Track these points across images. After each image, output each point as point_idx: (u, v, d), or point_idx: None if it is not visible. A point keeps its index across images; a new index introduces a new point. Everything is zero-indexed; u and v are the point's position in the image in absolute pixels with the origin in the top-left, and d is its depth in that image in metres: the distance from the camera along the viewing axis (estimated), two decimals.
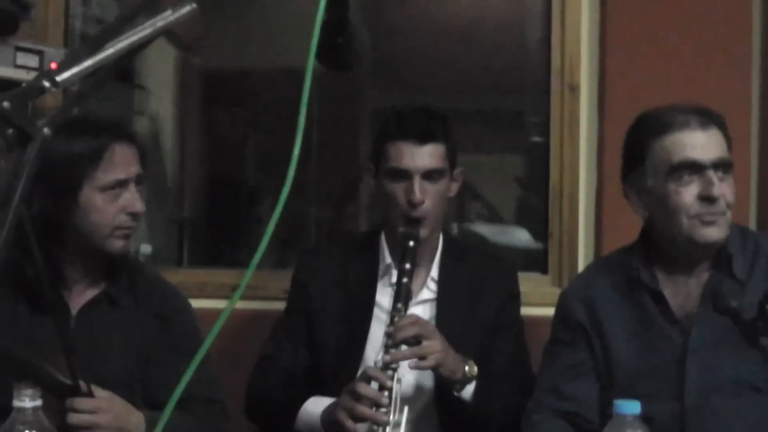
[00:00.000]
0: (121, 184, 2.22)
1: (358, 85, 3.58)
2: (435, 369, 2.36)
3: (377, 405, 2.24)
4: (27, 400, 1.69)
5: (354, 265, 2.62)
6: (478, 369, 2.41)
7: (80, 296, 2.29)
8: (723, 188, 2.14)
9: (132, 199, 2.24)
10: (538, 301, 3.01)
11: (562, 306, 2.37)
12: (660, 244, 2.24)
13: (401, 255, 2.43)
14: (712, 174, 2.13)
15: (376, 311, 2.54)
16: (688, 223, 2.14)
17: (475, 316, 2.56)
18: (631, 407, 1.69)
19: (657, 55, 3.04)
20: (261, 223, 3.76)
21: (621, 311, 2.24)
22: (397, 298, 2.37)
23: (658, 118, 2.21)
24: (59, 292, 2.23)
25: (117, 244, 2.24)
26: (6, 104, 1.22)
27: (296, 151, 1.20)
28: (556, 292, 2.93)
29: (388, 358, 2.28)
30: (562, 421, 2.23)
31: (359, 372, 2.43)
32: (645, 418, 1.72)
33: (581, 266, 3.07)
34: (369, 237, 2.68)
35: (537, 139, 3.60)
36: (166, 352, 2.29)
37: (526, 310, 2.90)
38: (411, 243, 2.42)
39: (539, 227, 3.43)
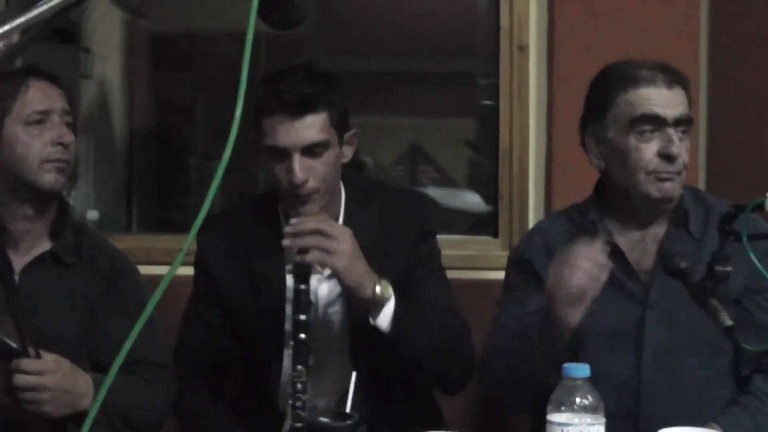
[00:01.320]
0: (44, 116, 2.21)
1: (304, 47, 3.53)
2: (338, 275, 2.13)
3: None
4: None
5: (254, 237, 2.39)
6: (398, 298, 2.18)
7: (25, 254, 2.26)
8: (681, 148, 2.15)
9: (58, 130, 2.21)
10: (488, 265, 3.00)
11: (514, 256, 2.37)
12: (615, 198, 2.25)
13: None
14: (672, 132, 2.14)
15: (288, 279, 2.32)
16: (644, 179, 2.15)
17: (388, 256, 2.32)
18: (580, 370, 1.68)
19: (606, 14, 3.02)
20: (208, 186, 3.71)
21: None
22: (296, 305, 2.14)
23: (623, 72, 2.21)
24: (2, 248, 2.20)
25: (47, 178, 2.20)
26: None
27: (238, 113, 1.16)
28: (506, 255, 2.93)
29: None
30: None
31: (284, 349, 2.33)
32: (602, 373, 1.73)
33: None
34: (264, 202, 2.44)
35: (487, 102, 3.59)
36: (112, 313, 2.26)
37: (476, 274, 2.90)
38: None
39: (490, 191, 3.42)
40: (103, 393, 1.17)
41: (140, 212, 3.71)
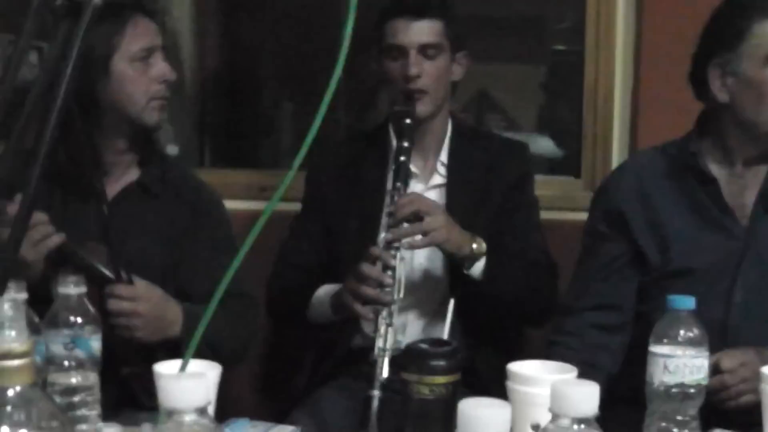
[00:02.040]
0: (149, 53, 2.23)
1: None
2: (440, 246, 2.34)
3: (381, 285, 2.22)
4: (72, 287, 1.67)
5: (364, 156, 2.60)
6: (490, 249, 2.39)
7: (114, 184, 2.28)
8: None
9: (163, 67, 2.25)
10: (570, 206, 2.98)
11: (601, 195, 2.34)
12: (724, 133, 2.19)
13: (398, 133, 2.40)
14: None
15: (388, 198, 2.47)
16: None
17: (486, 200, 2.53)
18: (685, 302, 1.66)
19: None
20: (279, 126, 3.74)
21: (673, 194, 2.21)
22: (396, 177, 2.34)
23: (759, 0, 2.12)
24: (100, 179, 2.23)
25: (153, 116, 2.25)
26: None
27: (344, 51, 1.15)
28: (589, 195, 2.91)
29: (389, 236, 2.27)
30: (597, 329, 2.21)
31: None
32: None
33: None
34: (378, 128, 2.66)
35: (559, 47, 3.56)
36: (198, 244, 2.30)
37: (558, 215, 2.88)
38: (408, 120, 2.40)
39: (564, 135, 3.40)
40: (205, 323, 1.17)
41: (212, 149, 3.72)
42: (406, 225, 2.30)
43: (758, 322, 2.11)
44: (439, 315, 2.42)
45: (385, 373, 2.09)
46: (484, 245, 2.37)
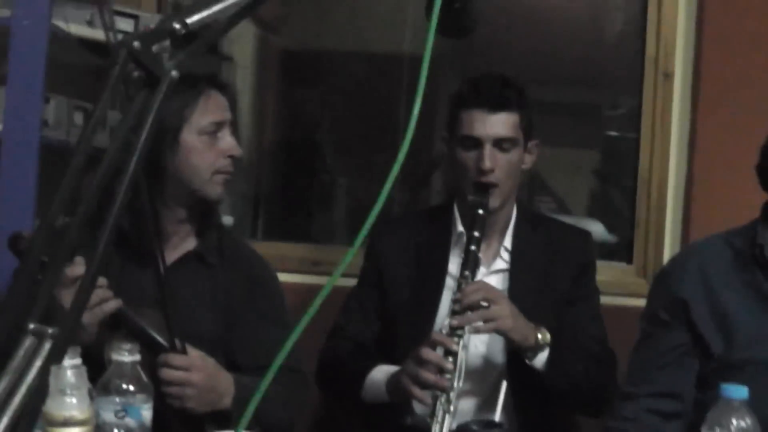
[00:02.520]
0: (218, 127, 2.25)
1: (436, 69, 3.54)
2: (505, 334, 2.31)
3: (441, 371, 2.19)
4: (126, 354, 1.68)
5: (426, 235, 2.59)
6: (553, 340, 2.36)
7: (171, 252, 2.29)
8: None
9: (230, 142, 2.27)
10: (621, 291, 2.96)
11: (663, 281, 2.29)
12: None
13: (470, 223, 2.39)
14: None
15: (448, 280, 2.49)
16: None
17: (549, 287, 2.52)
18: (738, 391, 1.64)
19: (755, 40, 2.95)
20: (333, 200, 3.76)
21: (738, 283, 2.16)
22: (464, 266, 2.33)
23: None
24: (160, 245, 2.24)
25: (216, 189, 2.27)
26: (136, 44, 1.20)
27: (412, 126, 1.17)
28: (641, 282, 2.91)
29: (454, 322, 2.24)
30: (654, 416, 2.18)
31: None
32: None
33: (667, 257, 3.00)
34: (441, 207, 2.65)
35: (612, 133, 3.57)
36: (251, 315, 2.30)
37: (609, 300, 2.85)
38: (480, 211, 2.39)
39: (614, 220, 3.39)
40: (258, 397, 1.17)
41: (266, 221, 3.74)
42: (470, 313, 2.28)
43: None
44: (491, 399, 2.39)
45: None
46: (548, 336, 2.35)
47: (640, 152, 3.14)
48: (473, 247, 2.34)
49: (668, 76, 3.06)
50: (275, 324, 2.28)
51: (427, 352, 2.21)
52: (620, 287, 3.00)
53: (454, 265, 2.47)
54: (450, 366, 2.19)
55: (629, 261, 3.16)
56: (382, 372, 2.42)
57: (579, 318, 2.50)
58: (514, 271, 2.52)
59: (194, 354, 2.04)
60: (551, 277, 2.52)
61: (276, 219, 3.79)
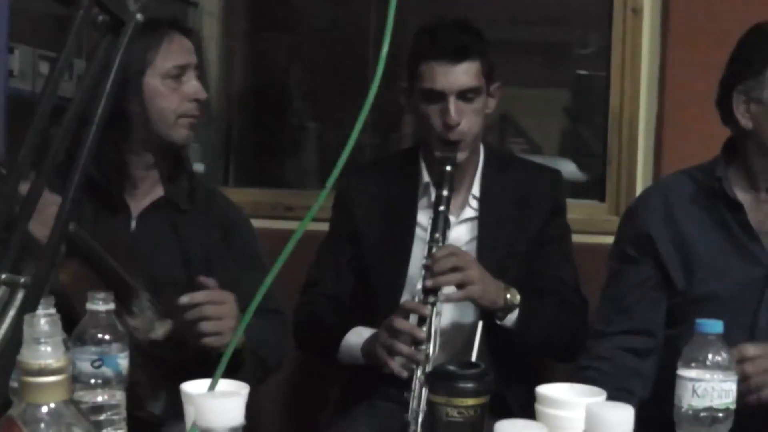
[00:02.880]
0: (182, 71, 2.23)
1: (403, 8, 3.50)
2: (475, 299, 2.30)
3: (415, 340, 2.17)
4: (101, 303, 1.66)
5: (394, 185, 2.54)
6: (523, 285, 2.36)
7: (141, 200, 2.28)
8: None
9: (195, 86, 2.25)
10: (594, 229, 2.96)
11: (629, 219, 2.32)
12: (748, 159, 2.18)
13: (438, 181, 2.34)
14: None
15: (418, 231, 2.47)
16: None
17: (520, 232, 2.49)
18: (713, 326, 1.65)
19: None
20: (304, 146, 3.74)
21: (700, 218, 2.20)
22: (434, 228, 2.28)
23: None
24: (123, 191, 2.23)
25: (182, 133, 2.25)
26: None
27: (380, 69, 1.15)
28: (614, 219, 2.89)
29: (428, 283, 2.21)
30: (628, 354, 2.19)
31: (402, 296, 2.40)
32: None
33: (639, 193, 2.99)
34: (408, 155, 2.60)
35: (583, 72, 3.56)
36: (227, 261, 2.28)
37: (582, 238, 2.86)
38: (448, 168, 2.33)
39: (586, 158, 3.39)
40: (240, 333, 1.16)
41: (238, 168, 3.73)
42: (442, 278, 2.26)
43: None
44: (467, 352, 2.40)
45: None
46: (518, 297, 2.33)
47: (610, 90, 3.12)
48: (442, 208, 2.29)
49: (637, 12, 3.04)
50: (251, 267, 2.26)
51: (399, 322, 2.19)
52: (593, 225, 3.00)
53: (423, 216, 2.44)
54: (423, 335, 2.17)
55: (602, 199, 3.17)
56: (357, 336, 2.41)
57: (550, 261, 2.49)
58: (483, 219, 2.49)
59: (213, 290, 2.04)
60: (522, 222, 2.49)
61: (247, 165, 3.79)
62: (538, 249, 2.49)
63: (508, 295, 2.32)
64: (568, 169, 3.48)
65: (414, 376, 2.14)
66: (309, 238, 2.50)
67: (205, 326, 1.99)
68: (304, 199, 3.18)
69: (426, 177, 2.49)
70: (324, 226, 2.62)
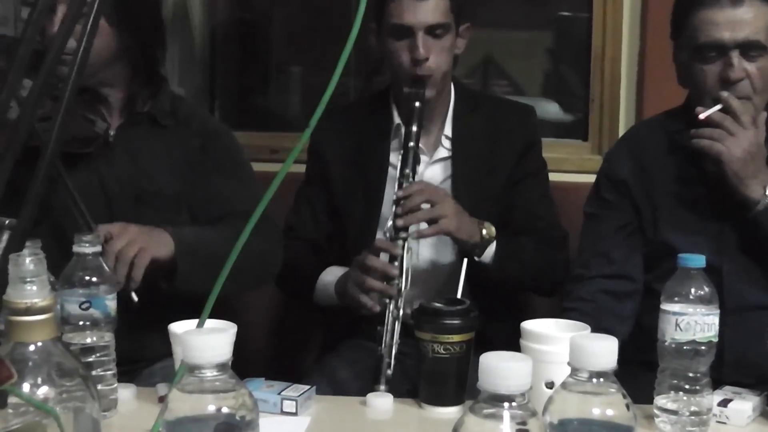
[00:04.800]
0: None
1: None
2: (450, 234, 2.28)
3: (387, 277, 2.17)
4: (87, 246, 1.66)
5: (365, 128, 2.53)
6: (500, 223, 2.35)
7: (120, 116, 2.28)
8: (750, 69, 2.06)
9: None
10: (577, 168, 2.97)
11: (607, 164, 2.32)
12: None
13: (407, 116, 2.32)
14: (735, 55, 2.04)
15: (390, 171, 2.44)
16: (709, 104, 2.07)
17: (494, 170, 2.47)
18: (695, 260, 1.65)
19: None
20: (288, 89, 3.72)
21: (667, 167, 2.20)
22: (404, 164, 2.28)
23: None
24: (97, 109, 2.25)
25: None
26: None
27: (361, 10, 1.14)
28: (596, 159, 2.90)
29: (399, 222, 2.21)
30: (608, 297, 2.20)
31: (376, 237, 2.39)
32: None
33: (621, 133, 2.97)
34: (378, 99, 2.58)
35: (565, 13, 3.53)
36: (207, 168, 2.29)
37: (566, 177, 2.86)
38: (417, 104, 2.31)
39: (569, 99, 3.38)
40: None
41: (222, 111, 3.70)
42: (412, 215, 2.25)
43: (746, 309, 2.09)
44: (447, 290, 2.39)
45: (391, 368, 2.05)
46: (493, 230, 2.32)
47: (592, 30, 3.11)
48: (412, 144, 2.29)
49: None
50: (231, 175, 2.29)
51: (371, 260, 2.19)
52: (576, 164, 3.00)
53: (395, 157, 2.42)
54: (395, 272, 2.17)
55: (585, 138, 3.17)
56: (331, 274, 2.41)
57: (526, 197, 2.47)
58: (456, 158, 2.47)
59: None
60: (496, 159, 2.48)
61: (231, 108, 3.76)
62: (514, 186, 2.47)
63: (484, 230, 2.31)
64: (552, 110, 3.47)
65: (387, 310, 2.15)
66: (293, 181, 2.53)
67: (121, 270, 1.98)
68: (288, 141, 3.17)
69: (397, 118, 2.47)
70: (301, 168, 2.61)
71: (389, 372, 2.04)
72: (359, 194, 2.48)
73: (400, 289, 2.17)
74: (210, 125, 2.39)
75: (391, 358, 2.06)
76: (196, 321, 1.31)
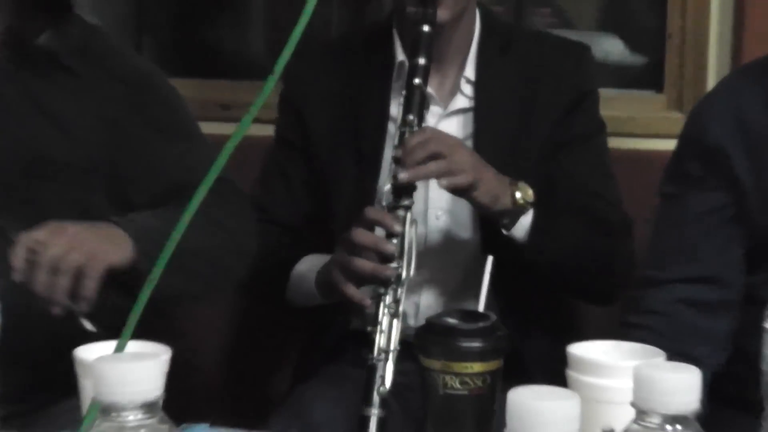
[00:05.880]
0: None
1: None
2: (467, 195, 2.26)
3: (383, 258, 2.16)
4: None
5: (359, 71, 2.54)
6: (537, 200, 2.33)
7: (4, 48, 2.24)
8: None
9: None
10: (649, 131, 2.97)
11: (692, 126, 2.30)
12: None
13: (413, 46, 2.31)
14: None
15: (391, 127, 2.45)
16: None
17: (530, 129, 2.48)
18: None
19: None
20: (245, 23, 3.73)
21: None
22: (407, 108, 2.27)
23: None
24: None
25: None
26: None
27: None
28: (676, 117, 2.91)
29: (403, 176, 2.19)
30: (692, 308, 2.20)
31: None
32: None
33: (711, 82, 3.00)
34: (377, 30, 2.59)
35: None
36: (143, 130, 2.28)
37: (632, 143, 2.88)
38: (425, 27, 2.29)
39: (637, 35, 3.39)
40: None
41: (154, 52, 3.72)
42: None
43: None
44: (467, 292, 2.41)
45: (388, 382, 2.05)
46: (530, 192, 2.31)
47: None
48: (418, 80, 2.26)
49: None
50: (175, 134, 2.30)
51: (360, 234, 2.19)
52: (647, 125, 3.01)
53: (397, 107, 2.40)
54: (392, 249, 2.16)
55: (659, 89, 3.19)
56: (310, 264, 2.43)
57: (573, 166, 2.48)
58: (480, 110, 2.47)
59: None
60: (532, 115, 2.48)
61: (167, 49, 3.77)
62: (558, 150, 2.48)
63: (518, 192, 2.30)
64: (614, 49, 3.49)
65: (381, 304, 2.13)
66: (252, 146, 2.52)
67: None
68: (245, 93, 3.17)
69: (400, 55, 2.48)
70: (272, 130, 2.61)
71: (383, 389, 2.04)
72: (349, 160, 2.50)
73: (400, 276, 2.15)
74: (137, 66, 2.37)
75: (385, 371, 2.06)
76: (112, 343, 1.30)
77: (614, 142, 2.62)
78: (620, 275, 2.41)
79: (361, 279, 2.19)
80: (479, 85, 2.49)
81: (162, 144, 2.27)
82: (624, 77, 3.39)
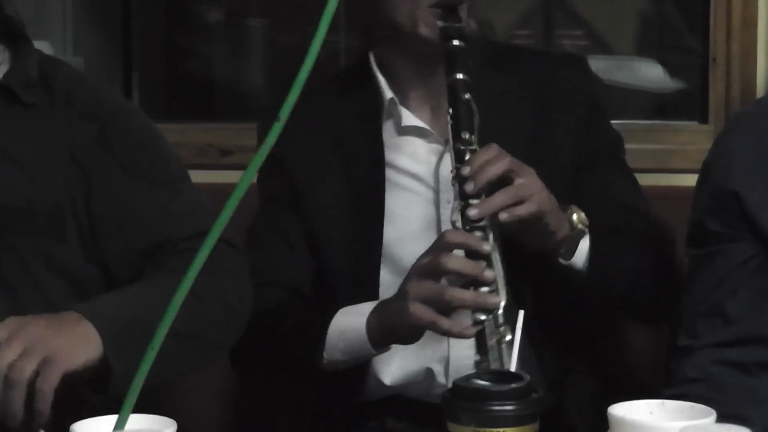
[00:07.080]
0: None
1: None
2: (541, 220, 2.24)
3: (477, 283, 2.16)
4: None
5: (344, 118, 2.55)
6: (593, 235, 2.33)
7: None
8: None
9: None
10: (693, 165, 2.97)
11: (705, 173, 2.30)
12: None
13: (446, 63, 2.32)
14: None
15: (390, 174, 2.47)
16: None
17: (546, 150, 2.47)
18: None
19: None
20: (245, 52, 3.76)
21: None
22: (457, 125, 2.27)
23: None
24: None
25: None
26: None
27: None
28: None
29: (473, 212, 2.18)
30: (733, 369, 2.21)
31: (381, 276, 2.42)
32: None
33: None
34: (354, 70, 2.61)
35: None
36: (116, 172, 2.26)
37: (674, 179, 2.88)
38: (456, 42, 2.31)
39: (678, 58, 3.41)
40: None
41: (142, 93, 3.73)
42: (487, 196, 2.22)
43: None
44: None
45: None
46: (583, 215, 2.31)
47: None
48: (468, 96, 2.28)
49: None
50: (155, 182, 2.27)
51: (452, 260, 2.17)
52: (691, 159, 2.99)
53: (393, 153, 2.46)
54: (492, 273, 2.16)
55: (703, 119, 3.18)
56: (348, 315, 2.38)
57: (609, 184, 2.48)
58: (485, 138, 2.36)
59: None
60: (546, 137, 2.49)
61: (157, 87, 3.79)
62: (583, 171, 2.49)
63: (574, 215, 2.30)
64: (653, 74, 3.49)
65: (484, 334, 2.14)
66: (248, 194, 2.55)
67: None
68: (246, 136, 3.18)
69: (389, 92, 2.47)
70: None
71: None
72: (346, 212, 2.50)
73: (498, 303, 2.16)
74: (111, 103, 2.35)
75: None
76: (111, 418, 1.32)
77: (655, 179, 2.65)
78: (670, 286, 2.41)
79: (449, 309, 2.18)
80: (481, 111, 2.38)
81: (138, 191, 2.24)
82: (664, 106, 3.40)
